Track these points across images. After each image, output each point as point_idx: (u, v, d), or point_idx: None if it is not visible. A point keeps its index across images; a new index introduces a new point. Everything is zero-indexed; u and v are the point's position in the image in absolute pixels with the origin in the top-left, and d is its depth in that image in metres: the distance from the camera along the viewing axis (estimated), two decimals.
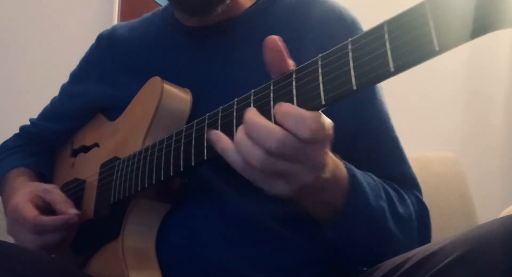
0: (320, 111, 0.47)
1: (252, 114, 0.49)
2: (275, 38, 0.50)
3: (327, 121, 0.48)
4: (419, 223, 0.69)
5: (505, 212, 1.12)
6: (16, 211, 0.75)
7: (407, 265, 0.52)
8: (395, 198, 0.66)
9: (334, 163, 0.56)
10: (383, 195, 0.64)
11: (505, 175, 1.58)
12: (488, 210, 1.26)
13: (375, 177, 0.66)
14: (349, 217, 0.59)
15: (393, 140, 0.76)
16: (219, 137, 0.52)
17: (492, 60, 1.60)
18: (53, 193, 0.78)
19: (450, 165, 1.27)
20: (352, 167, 0.61)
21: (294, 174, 0.49)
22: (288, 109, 0.47)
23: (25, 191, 0.78)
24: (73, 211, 0.74)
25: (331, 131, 0.49)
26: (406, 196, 0.69)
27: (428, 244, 0.54)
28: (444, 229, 1.15)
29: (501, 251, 0.44)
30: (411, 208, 0.68)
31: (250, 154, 0.48)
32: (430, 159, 1.29)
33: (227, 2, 0.75)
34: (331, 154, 0.55)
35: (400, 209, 0.66)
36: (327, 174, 0.53)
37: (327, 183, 0.54)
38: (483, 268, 0.44)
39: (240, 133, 0.49)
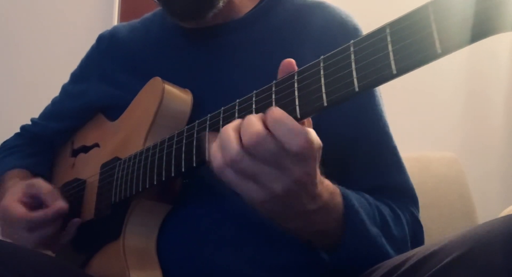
0: (310, 129, 0.47)
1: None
2: (292, 61, 0.51)
3: (316, 140, 0.48)
4: (413, 243, 0.69)
5: (505, 212, 1.12)
6: (6, 212, 0.75)
7: (407, 265, 0.52)
8: (390, 220, 0.66)
9: (329, 192, 0.56)
10: (378, 219, 0.64)
11: (505, 175, 1.58)
12: (488, 210, 1.26)
13: (370, 199, 0.66)
14: (349, 247, 0.60)
15: (392, 149, 0.76)
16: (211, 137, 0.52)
17: (492, 60, 1.60)
18: (37, 185, 0.78)
19: (450, 165, 1.27)
20: (348, 193, 0.61)
21: (265, 178, 0.48)
22: (281, 117, 0.47)
23: (12, 191, 0.79)
24: (59, 203, 0.74)
25: (318, 152, 0.49)
26: (402, 216, 0.69)
27: (428, 244, 0.54)
28: (444, 229, 1.15)
29: (501, 251, 0.44)
30: (406, 229, 0.69)
31: (226, 145, 0.48)
32: (430, 159, 1.29)
33: (218, 7, 0.75)
34: (326, 182, 0.56)
35: (395, 231, 0.66)
36: (317, 205, 0.53)
37: (319, 213, 0.55)
38: (483, 268, 0.44)
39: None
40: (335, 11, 0.80)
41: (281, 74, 0.52)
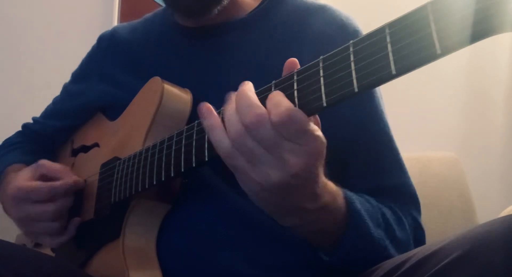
0: (310, 117, 0.47)
1: (246, 86, 0.50)
2: (295, 61, 0.52)
3: (317, 132, 0.48)
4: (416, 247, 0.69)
5: (505, 212, 1.11)
6: (20, 189, 0.75)
7: (407, 265, 0.52)
8: (393, 223, 0.66)
9: (332, 195, 0.56)
10: (382, 223, 0.64)
11: (505, 175, 1.58)
12: (488, 210, 1.26)
13: (373, 202, 0.66)
14: (350, 248, 0.60)
15: (393, 150, 0.75)
16: (210, 112, 0.52)
17: (492, 60, 1.60)
18: (47, 164, 0.79)
19: (450, 165, 1.27)
20: (351, 195, 0.61)
21: (264, 162, 0.48)
22: (272, 95, 0.48)
23: (20, 175, 0.79)
24: (75, 177, 0.77)
25: (321, 149, 0.48)
26: (404, 220, 0.69)
27: (428, 244, 0.54)
28: (444, 229, 1.15)
29: (501, 251, 0.44)
30: (408, 231, 0.69)
31: (230, 122, 0.49)
32: (430, 159, 1.28)
33: (223, 3, 0.75)
34: (330, 185, 0.56)
35: (399, 233, 0.66)
36: (317, 204, 0.53)
37: (318, 214, 0.55)
38: (483, 268, 0.44)
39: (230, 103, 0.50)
40: (336, 13, 0.80)
41: (285, 73, 0.52)
